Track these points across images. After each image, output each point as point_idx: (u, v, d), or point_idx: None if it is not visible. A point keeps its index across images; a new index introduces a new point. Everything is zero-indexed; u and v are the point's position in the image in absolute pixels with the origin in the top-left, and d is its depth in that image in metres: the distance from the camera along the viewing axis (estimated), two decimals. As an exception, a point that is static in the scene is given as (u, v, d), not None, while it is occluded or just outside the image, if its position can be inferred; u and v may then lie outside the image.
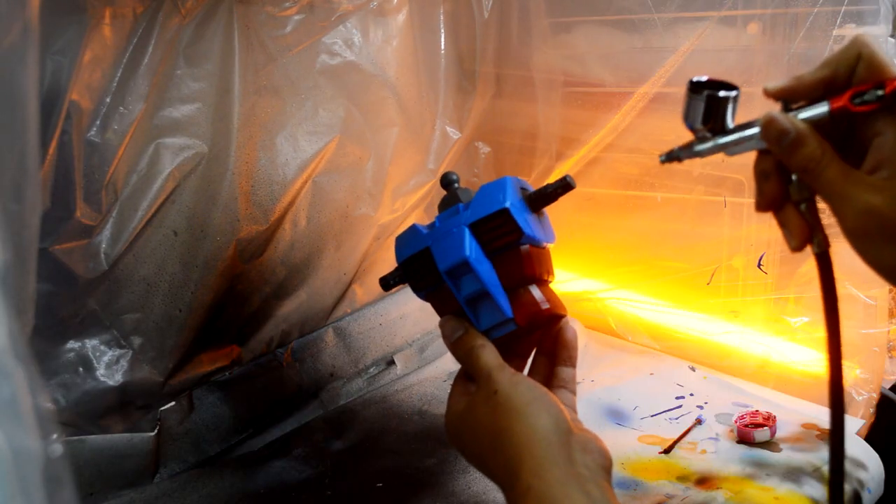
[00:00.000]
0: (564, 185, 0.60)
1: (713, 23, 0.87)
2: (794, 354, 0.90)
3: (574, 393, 0.64)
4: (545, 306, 0.61)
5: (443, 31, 1.02)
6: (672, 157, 0.51)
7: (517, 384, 0.55)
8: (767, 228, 0.90)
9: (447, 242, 0.59)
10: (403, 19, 0.97)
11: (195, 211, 0.80)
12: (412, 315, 1.03)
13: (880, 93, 0.42)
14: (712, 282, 0.94)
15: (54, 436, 0.27)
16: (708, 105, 0.48)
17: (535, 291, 0.61)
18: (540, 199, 0.61)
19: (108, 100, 0.73)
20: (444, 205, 0.64)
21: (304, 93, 0.88)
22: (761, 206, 0.48)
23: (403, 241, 0.64)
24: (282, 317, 0.91)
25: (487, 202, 0.59)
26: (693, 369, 0.94)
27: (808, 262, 0.88)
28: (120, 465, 0.76)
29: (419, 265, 0.62)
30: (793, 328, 0.89)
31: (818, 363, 0.88)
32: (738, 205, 0.91)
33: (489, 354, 0.58)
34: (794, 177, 0.46)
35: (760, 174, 0.47)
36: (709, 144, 0.49)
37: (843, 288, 0.85)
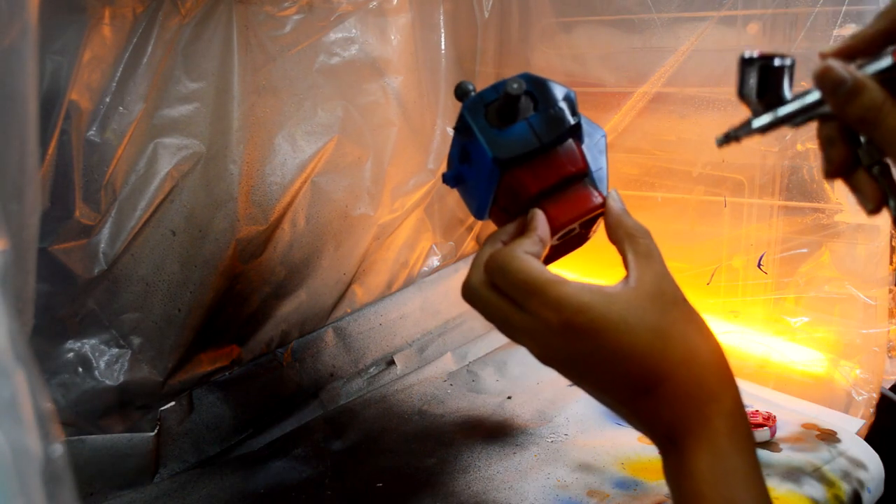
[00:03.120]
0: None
1: (713, 23, 0.87)
2: (794, 354, 0.90)
3: None
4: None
5: (443, 31, 1.02)
6: (730, 138, 0.48)
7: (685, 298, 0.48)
8: (767, 228, 0.90)
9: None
10: (403, 19, 0.97)
11: (194, 211, 0.80)
12: (412, 315, 1.03)
13: None
14: (712, 282, 0.94)
15: (54, 436, 0.27)
16: (762, 76, 0.45)
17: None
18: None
19: (107, 99, 0.73)
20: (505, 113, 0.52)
21: (303, 93, 0.88)
22: (829, 173, 0.45)
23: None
24: (282, 317, 0.91)
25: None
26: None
27: (808, 263, 0.88)
28: (120, 465, 0.76)
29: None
30: (793, 328, 0.89)
31: (818, 363, 0.88)
32: (738, 205, 0.91)
33: None
34: (862, 139, 0.44)
35: (825, 141, 0.45)
36: (767, 118, 0.46)
37: (842, 288, 0.85)
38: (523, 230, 0.50)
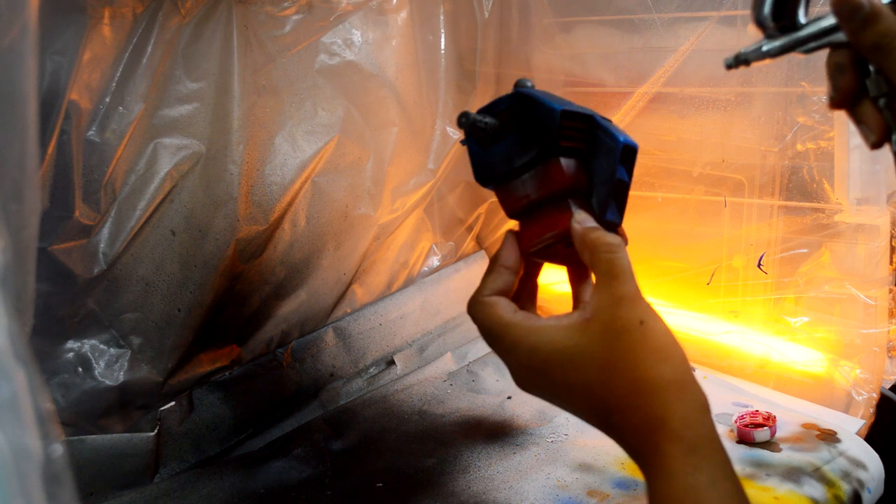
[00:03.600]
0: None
1: (713, 23, 0.87)
2: (794, 354, 0.90)
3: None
4: None
5: (443, 31, 1.02)
6: (740, 60, 0.48)
7: (661, 320, 0.46)
8: (767, 228, 0.90)
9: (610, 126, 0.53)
10: (403, 19, 0.97)
11: (193, 211, 0.80)
12: (412, 315, 1.03)
13: None
14: (712, 282, 0.94)
15: (54, 436, 0.27)
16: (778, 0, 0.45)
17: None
18: None
19: (107, 99, 0.73)
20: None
21: (303, 93, 0.88)
22: (835, 101, 0.45)
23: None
24: (282, 317, 0.91)
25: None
26: (693, 369, 0.94)
27: (808, 263, 0.88)
28: (120, 465, 0.76)
29: (572, 124, 0.50)
30: (793, 328, 0.89)
31: (818, 363, 0.88)
32: (738, 205, 0.91)
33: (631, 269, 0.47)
34: (872, 69, 0.44)
35: (835, 68, 0.45)
36: (780, 42, 0.46)
37: (842, 288, 0.85)
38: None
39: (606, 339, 0.45)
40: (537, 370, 0.47)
